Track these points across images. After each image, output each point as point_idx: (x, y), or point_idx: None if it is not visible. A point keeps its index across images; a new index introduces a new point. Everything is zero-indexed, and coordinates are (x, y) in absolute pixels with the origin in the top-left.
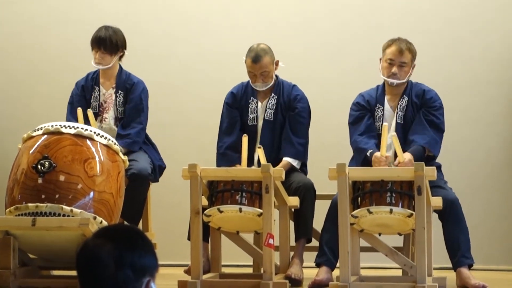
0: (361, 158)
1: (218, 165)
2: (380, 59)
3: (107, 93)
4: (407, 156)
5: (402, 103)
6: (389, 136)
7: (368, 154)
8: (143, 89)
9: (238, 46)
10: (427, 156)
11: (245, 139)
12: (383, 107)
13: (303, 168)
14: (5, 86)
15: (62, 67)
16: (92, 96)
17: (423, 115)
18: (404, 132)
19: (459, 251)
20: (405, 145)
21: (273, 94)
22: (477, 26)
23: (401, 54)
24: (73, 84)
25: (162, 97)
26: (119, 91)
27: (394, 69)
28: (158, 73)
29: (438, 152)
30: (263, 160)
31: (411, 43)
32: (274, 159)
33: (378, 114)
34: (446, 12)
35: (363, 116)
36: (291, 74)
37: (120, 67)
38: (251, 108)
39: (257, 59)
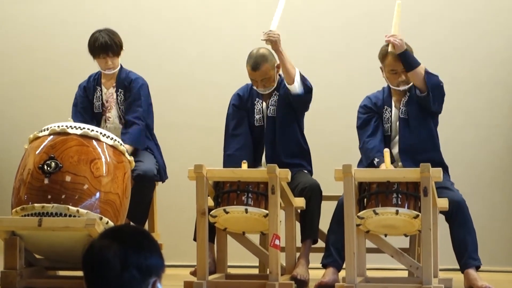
0: (368, 162)
1: (225, 166)
2: (381, 68)
3: (108, 92)
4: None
5: (405, 99)
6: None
7: (375, 162)
8: (142, 85)
9: (243, 47)
10: (434, 161)
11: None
12: (391, 108)
13: (310, 170)
14: (8, 87)
15: (65, 69)
16: (95, 97)
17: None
18: (409, 125)
19: (466, 253)
20: (411, 139)
21: (275, 92)
22: (482, 30)
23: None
24: (76, 85)
25: (167, 98)
26: (119, 90)
27: (402, 77)
28: (162, 74)
29: (434, 81)
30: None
31: (406, 44)
32: (277, 158)
33: (386, 115)
34: (451, 15)
35: (371, 119)
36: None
37: (120, 66)
38: (257, 109)
39: (256, 67)
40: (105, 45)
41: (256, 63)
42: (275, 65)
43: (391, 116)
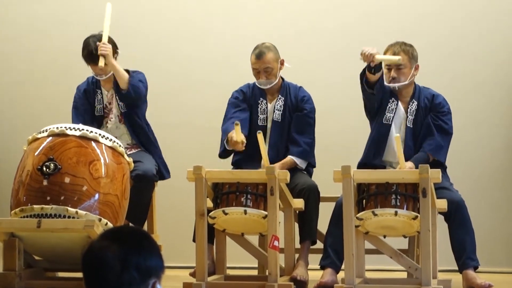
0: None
1: (225, 131)
2: None
3: (109, 94)
4: (408, 164)
5: (412, 107)
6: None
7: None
8: (137, 71)
9: (242, 47)
10: (433, 161)
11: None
12: (397, 102)
13: (309, 170)
14: (8, 88)
15: (64, 70)
16: (96, 100)
17: (431, 120)
18: (414, 136)
19: (464, 253)
20: (414, 150)
21: (280, 95)
22: (482, 29)
23: None
24: (75, 86)
25: (166, 98)
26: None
27: (393, 73)
28: (161, 74)
29: (443, 157)
30: (262, 146)
31: (407, 44)
32: (279, 159)
33: (391, 106)
34: (451, 15)
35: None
36: (296, 76)
37: None
38: (261, 109)
39: (260, 55)
40: (91, 53)
41: (260, 52)
42: (279, 59)
43: (396, 108)
